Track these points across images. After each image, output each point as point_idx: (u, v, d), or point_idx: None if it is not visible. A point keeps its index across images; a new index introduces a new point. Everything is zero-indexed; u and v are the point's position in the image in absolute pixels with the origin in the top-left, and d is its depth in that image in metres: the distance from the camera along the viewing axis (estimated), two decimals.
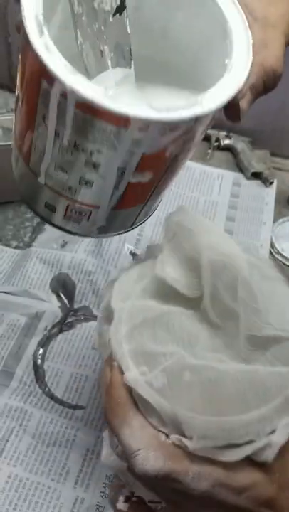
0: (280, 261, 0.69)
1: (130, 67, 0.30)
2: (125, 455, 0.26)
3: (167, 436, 0.26)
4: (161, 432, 0.26)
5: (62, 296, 0.60)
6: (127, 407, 0.26)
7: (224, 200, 0.76)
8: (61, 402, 0.53)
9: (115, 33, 0.29)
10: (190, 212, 0.34)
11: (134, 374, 0.27)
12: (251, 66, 0.27)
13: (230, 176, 0.79)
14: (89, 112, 0.24)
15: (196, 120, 0.25)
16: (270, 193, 0.77)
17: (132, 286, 0.32)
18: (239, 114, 0.28)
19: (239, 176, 0.79)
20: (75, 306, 0.60)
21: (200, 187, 0.76)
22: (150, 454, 0.25)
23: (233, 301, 0.30)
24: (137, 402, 0.27)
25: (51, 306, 0.59)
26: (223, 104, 0.26)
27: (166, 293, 0.31)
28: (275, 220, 0.74)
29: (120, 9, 0.28)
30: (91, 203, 0.29)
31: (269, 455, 0.25)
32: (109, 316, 0.31)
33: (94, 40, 0.28)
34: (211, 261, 0.30)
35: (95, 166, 0.27)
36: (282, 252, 0.69)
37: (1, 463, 0.49)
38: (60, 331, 0.58)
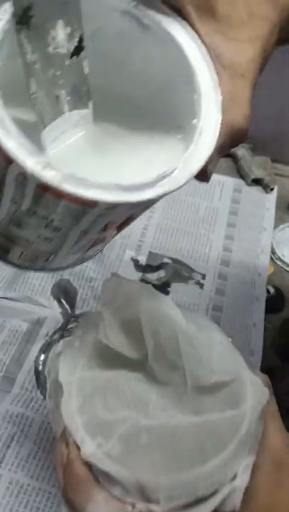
0: (281, 267, 0.70)
1: (88, 108, 0.29)
2: None
3: (133, 506, 0.26)
4: (126, 502, 0.26)
5: (64, 302, 0.60)
6: (89, 483, 0.26)
7: (225, 206, 0.76)
8: None
9: (72, 76, 0.27)
10: (124, 278, 0.35)
11: (91, 448, 0.27)
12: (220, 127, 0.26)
13: (231, 182, 0.79)
14: (52, 193, 0.22)
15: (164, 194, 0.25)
16: (271, 199, 0.77)
17: (77, 357, 0.32)
18: (207, 176, 0.27)
19: (240, 182, 0.79)
20: (77, 312, 0.60)
21: (200, 193, 0.77)
22: None
23: (175, 354, 0.30)
24: (97, 475, 0.27)
25: (53, 312, 0.60)
26: (192, 176, 0.25)
27: (111, 359, 0.32)
28: (275, 226, 0.75)
29: (78, 50, 0.27)
30: (49, 251, 0.29)
31: (236, 501, 0.25)
32: (57, 390, 0.31)
33: (49, 86, 0.26)
34: (149, 319, 0.31)
35: (55, 229, 0.26)
36: (282, 258, 0.70)
37: (2, 469, 0.49)
38: (62, 336, 0.58)
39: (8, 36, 0.24)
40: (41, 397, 0.54)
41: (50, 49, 0.25)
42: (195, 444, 0.26)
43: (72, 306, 0.60)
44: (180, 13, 0.27)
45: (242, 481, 0.25)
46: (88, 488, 0.26)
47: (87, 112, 0.29)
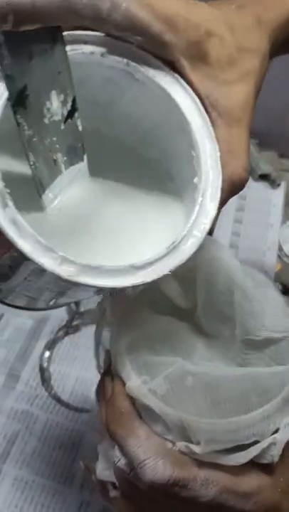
0: (288, 264, 0.69)
1: (83, 161, 0.29)
2: (131, 466, 0.26)
3: (173, 443, 0.26)
4: (167, 440, 0.26)
5: None
6: (132, 418, 0.27)
7: (231, 202, 0.75)
8: (67, 405, 0.53)
9: (68, 138, 0.27)
10: None
11: (136, 383, 0.27)
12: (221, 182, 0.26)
13: None
14: (69, 282, 0.23)
15: None
16: (278, 195, 0.76)
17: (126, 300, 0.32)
18: (212, 232, 0.27)
19: None
20: (81, 309, 0.60)
21: None
22: (159, 462, 0.25)
23: (228, 306, 0.30)
24: (141, 411, 0.27)
25: (57, 309, 0.60)
26: (200, 244, 0.25)
27: (160, 305, 0.31)
28: (282, 223, 0.74)
29: (72, 112, 0.27)
30: (24, 305, 0.31)
31: (274, 454, 0.25)
32: (104, 326, 0.31)
33: (47, 153, 0.27)
34: (206, 269, 0.30)
35: (61, 294, 0.28)
36: None
37: (7, 465, 0.49)
38: (66, 333, 0.58)
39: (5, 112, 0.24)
40: (46, 394, 0.54)
41: (46, 120, 0.26)
42: (239, 393, 0.26)
43: (77, 302, 0.60)
44: (173, 66, 0.27)
45: (283, 435, 0.26)
46: (131, 422, 0.26)
47: (82, 165, 0.29)
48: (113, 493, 0.30)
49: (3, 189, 0.22)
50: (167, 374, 0.27)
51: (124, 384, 0.27)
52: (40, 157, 0.26)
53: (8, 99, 0.24)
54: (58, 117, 0.26)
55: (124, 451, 0.26)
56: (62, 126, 0.27)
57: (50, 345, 0.57)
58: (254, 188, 0.77)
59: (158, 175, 0.31)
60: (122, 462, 0.27)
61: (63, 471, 0.50)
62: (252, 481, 0.25)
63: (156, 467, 0.25)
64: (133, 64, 0.26)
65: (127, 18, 0.24)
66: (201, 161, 0.26)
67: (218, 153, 0.26)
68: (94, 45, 0.26)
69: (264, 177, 0.78)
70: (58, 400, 0.54)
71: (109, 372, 0.29)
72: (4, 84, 0.23)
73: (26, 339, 0.58)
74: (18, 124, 0.24)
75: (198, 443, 0.26)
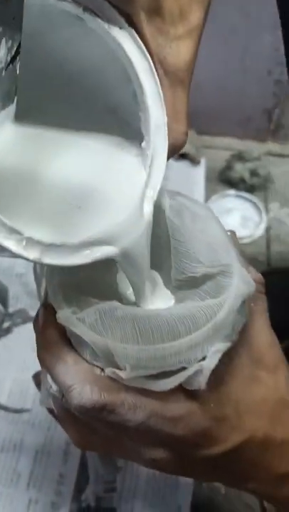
0: None
1: (13, 103, 0.28)
2: (61, 391, 0.26)
3: (102, 370, 0.26)
4: (95, 366, 0.27)
5: None
6: (61, 345, 0.27)
7: None
8: (5, 408, 0.53)
9: (5, 83, 0.26)
10: None
11: (66, 312, 0.27)
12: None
13: None
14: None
15: None
16: (199, 173, 0.78)
17: None
18: None
19: None
20: (10, 311, 0.59)
21: None
22: (86, 387, 0.25)
23: (163, 249, 0.30)
24: (71, 339, 0.27)
25: None
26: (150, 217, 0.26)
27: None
28: (207, 198, 0.75)
29: (14, 58, 0.26)
30: None
31: (201, 381, 0.25)
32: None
33: None
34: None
35: None
36: None
37: None
38: None
39: None
40: None
41: None
42: (168, 323, 0.26)
43: (5, 304, 0.59)
44: (128, 18, 0.26)
45: (210, 362, 0.25)
46: (59, 349, 0.26)
47: (12, 108, 0.28)
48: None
49: None
50: (97, 307, 0.27)
51: (56, 312, 0.27)
52: None
53: None
54: (1, 65, 0.25)
55: (53, 378, 0.26)
56: (3, 73, 0.26)
57: None
58: (175, 168, 0.78)
59: (102, 120, 0.30)
60: (53, 389, 0.27)
61: (8, 474, 0.50)
62: (180, 407, 0.25)
63: (83, 392, 0.25)
64: (88, 13, 0.25)
65: None
66: (150, 125, 0.26)
67: (166, 119, 0.26)
68: None
69: (184, 156, 0.79)
70: None
71: (44, 304, 0.29)
72: None
73: None
74: None
75: (125, 369, 0.26)
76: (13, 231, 0.22)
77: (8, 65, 0.26)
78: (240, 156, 0.79)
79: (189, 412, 0.25)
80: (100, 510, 0.51)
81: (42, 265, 0.30)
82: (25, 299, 0.61)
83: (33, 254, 0.23)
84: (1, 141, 0.28)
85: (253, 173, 0.79)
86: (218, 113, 0.83)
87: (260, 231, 0.76)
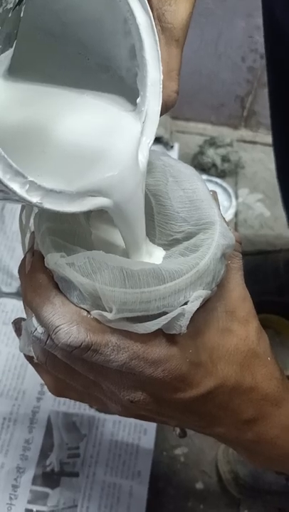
0: None
1: (12, 47, 0.28)
2: (47, 334, 0.27)
3: (88, 312, 0.27)
4: (82, 308, 0.27)
5: None
6: (49, 288, 0.27)
7: None
8: None
9: (9, 25, 0.27)
10: None
11: (55, 256, 0.28)
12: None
13: None
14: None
15: None
16: (172, 157, 0.79)
17: None
18: None
19: None
20: None
21: None
22: (73, 327, 0.26)
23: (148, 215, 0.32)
24: (58, 283, 0.28)
25: None
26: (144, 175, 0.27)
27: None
28: None
29: (21, 1, 0.26)
30: None
31: (182, 324, 0.27)
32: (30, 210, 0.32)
33: None
34: None
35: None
36: None
37: None
38: None
39: None
40: None
41: (0, 9, 0.25)
42: (154, 271, 0.27)
43: None
44: None
45: (192, 305, 0.27)
46: (47, 292, 0.27)
47: (10, 51, 0.28)
48: (36, 361, 0.31)
49: None
50: (86, 253, 0.28)
51: (44, 259, 0.28)
52: None
53: None
54: (10, 5, 0.25)
55: (40, 319, 0.27)
56: (10, 14, 0.26)
57: None
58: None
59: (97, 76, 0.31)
60: (38, 331, 0.28)
61: None
62: (161, 350, 0.26)
63: (70, 331, 0.26)
64: None
65: None
66: (147, 82, 0.27)
67: (162, 76, 0.27)
68: None
69: (158, 140, 0.80)
70: None
71: (31, 251, 0.30)
72: None
73: None
74: None
75: (111, 311, 0.27)
76: (18, 173, 0.23)
77: (16, 6, 0.26)
78: (212, 142, 0.81)
79: (169, 356, 0.26)
80: (64, 474, 0.54)
81: (29, 214, 0.31)
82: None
83: (34, 198, 0.23)
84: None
85: (225, 158, 0.81)
86: (191, 98, 0.85)
87: (229, 216, 0.78)
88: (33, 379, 0.57)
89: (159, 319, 0.27)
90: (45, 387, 0.59)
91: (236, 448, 0.32)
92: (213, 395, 0.27)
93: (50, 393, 0.32)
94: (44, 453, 0.54)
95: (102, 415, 0.57)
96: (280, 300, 0.65)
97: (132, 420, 0.57)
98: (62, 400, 0.56)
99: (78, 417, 0.56)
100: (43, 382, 0.32)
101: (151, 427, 0.57)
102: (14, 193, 0.23)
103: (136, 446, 0.56)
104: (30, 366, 0.31)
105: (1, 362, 0.59)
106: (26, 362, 0.30)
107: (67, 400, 0.57)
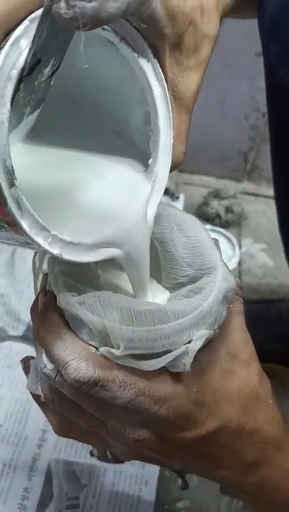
0: None
1: (39, 108, 0.30)
2: (56, 370, 0.28)
3: (97, 349, 0.28)
4: (91, 345, 0.29)
5: None
6: (60, 326, 0.29)
7: None
8: None
9: (42, 93, 0.29)
10: None
11: (66, 295, 0.30)
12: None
13: None
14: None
15: None
16: (178, 207, 0.82)
17: None
18: None
19: None
20: None
21: None
22: (82, 363, 0.27)
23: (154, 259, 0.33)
24: (69, 322, 0.30)
25: None
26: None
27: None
28: None
29: (54, 73, 0.28)
30: None
31: (186, 362, 0.28)
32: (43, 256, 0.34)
33: (22, 108, 0.28)
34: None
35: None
36: None
37: None
38: None
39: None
40: None
41: (36, 83, 0.27)
42: (160, 310, 0.29)
43: None
44: (154, 48, 0.29)
45: (195, 345, 0.28)
46: (59, 329, 0.29)
47: (37, 112, 0.30)
48: (43, 399, 0.32)
49: (12, 168, 0.24)
50: (96, 293, 0.30)
51: (56, 298, 0.30)
52: (16, 111, 0.27)
53: (22, 71, 0.24)
54: (44, 78, 0.27)
55: (50, 355, 0.28)
56: (43, 85, 0.28)
57: None
58: None
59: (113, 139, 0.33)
60: (48, 368, 0.29)
61: None
62: (166, 387, 0.27)
63: (79, 367, 0.27)
64: (123, 42, 0.28)
65: (149, 9, 0.26)
66: (160, 145, 0.30)
67: (172, 141, 0.30)
68: None
69: (164, 191, 0.83)
70: None
71: (43, 291, 0.31)
72: (24, 58, 0.24)
73: None
74: (18, 89, 0.25)
75: (118, 348, 0.28)
76: (43, 228, 0.25)
77: (49, 77, 0.28)
78: (216, 194, 0.84)
79: (174, 394, 0.27)
80: None
81: (42, 257, 0.33)
82: (4, 318, 0.63)
83: (55, 250, 0.26)
84: (18, 159, 0.30)
85: (228, 209, 0.83)
86: (197, 153, 0.88)
87: (233, 264, 0.80)
88: (34, 424, 0.57)
89: (163, 357, 0.28)
90: (47, 434, 0.59)
91: (239, 494, 0.31)
92: (216, 436, 0.28)
93: (51, 440, 0.32)
94: (43, 503, 0.53)
95: (104, 464, 0.56)
96: (283, 349, 0.65)
97: (133, 471, 0.56)
98: (63, 447, 0.56)
99: (79, 465, 0.55)
100: (44, 428, 0.33)
101: (153, 478, 0.56)
102: (39, 245, 0.25)
103: (137, 498, 0.54)
104: (32, 411, 0.31)
105: (3, 406, 0.58)
106: (29, 407, 0.31)
107: (68, 447, 0.56)
